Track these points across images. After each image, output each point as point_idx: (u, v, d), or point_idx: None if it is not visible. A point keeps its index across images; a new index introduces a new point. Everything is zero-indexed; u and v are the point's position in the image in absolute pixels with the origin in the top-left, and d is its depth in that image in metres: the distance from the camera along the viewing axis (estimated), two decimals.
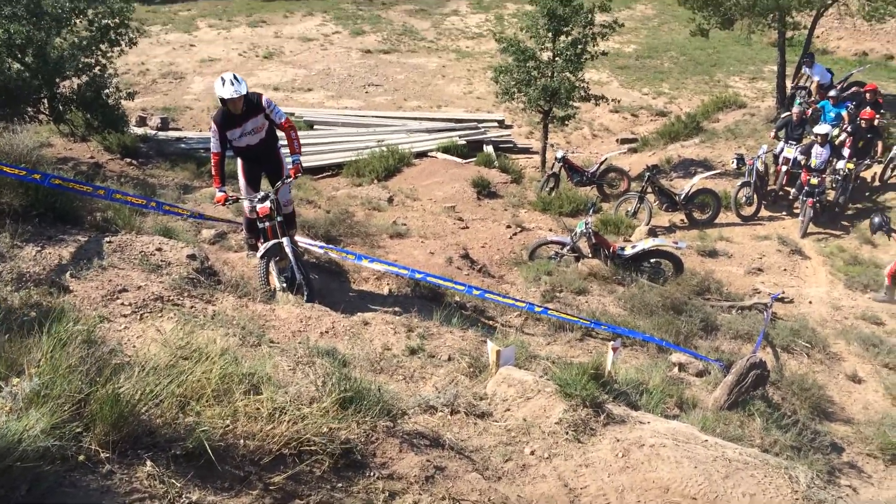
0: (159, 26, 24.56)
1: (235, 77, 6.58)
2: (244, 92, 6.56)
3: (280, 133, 7.19)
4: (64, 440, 2.74)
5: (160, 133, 15.84)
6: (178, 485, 2.75)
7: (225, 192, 6.97)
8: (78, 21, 13.11)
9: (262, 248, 6.85)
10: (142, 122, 16.48)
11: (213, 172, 7.01)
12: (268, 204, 6.88)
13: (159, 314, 5.06)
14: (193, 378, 3.28)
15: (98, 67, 13.25)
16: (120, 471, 2.76)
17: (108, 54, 13.51)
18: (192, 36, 24.20)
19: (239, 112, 6.70)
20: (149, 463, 2.82)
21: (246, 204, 7.23)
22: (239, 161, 7.30)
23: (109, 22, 13.47)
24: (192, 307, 5.38)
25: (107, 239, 6.17)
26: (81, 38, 13.00)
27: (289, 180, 7.13)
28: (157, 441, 2.96)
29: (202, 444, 2.92)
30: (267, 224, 6.93)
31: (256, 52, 23.11)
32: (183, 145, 15.28)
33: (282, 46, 23.71)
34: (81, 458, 2.75)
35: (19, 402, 2.80)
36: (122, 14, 13.52)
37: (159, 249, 6.29)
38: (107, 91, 13.21)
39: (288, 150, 7.03)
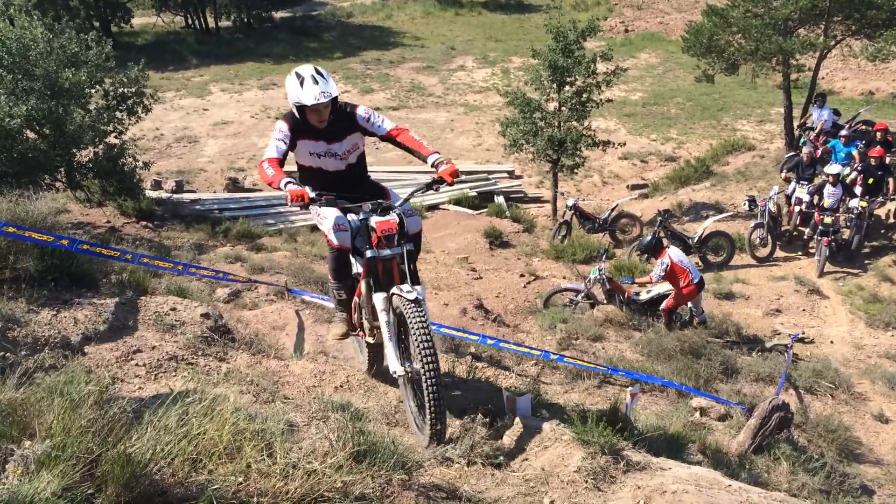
0: (173, 92, 25.15)
1: (319, 72, 4.45)
2: (334, 94, 4.44)
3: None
4: (76, 502, 2.71)
5: (175, 196, 16.09)
6: None
7: (303, 187, 4.34)
8: (94, 91, 13.45)
9: (379, 302, 4.42)
10: (157, 185, 16.76)
11: (271, 172, 4.42)
12: (394, 216, 4.39)
13: (173, 374, 5.05)
14: (206, 436, 3.26)
15: (114, 134, 13.53)
16: None
17: (125, 122, 13.82)
18: (205, 100, 24.75)
19: (323, 126, 4.60)
20: None
21: (329, 222, 4.55)
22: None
23: (126, 91, 13.83)
24: (205, 365, 5.37)
25: (121, 301, 6.21)
26: (99, 108, 13.31)
27: (443, 186, 4.57)
28: (170, 500, 2.93)
29: (214, 503, 2.88)
30: (387, 254, 4.40)
31: (268, 113, 23.56)
32: (198, 207, 15.48)
33: None
34: None
35: (31, 465, 2.79)
36: (138, 82, 13.88)
37: (173, 309, 6.32)
38: (123, 160, 13.46)
39: (418, 156, 4.71)
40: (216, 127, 22.20)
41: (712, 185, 17.76)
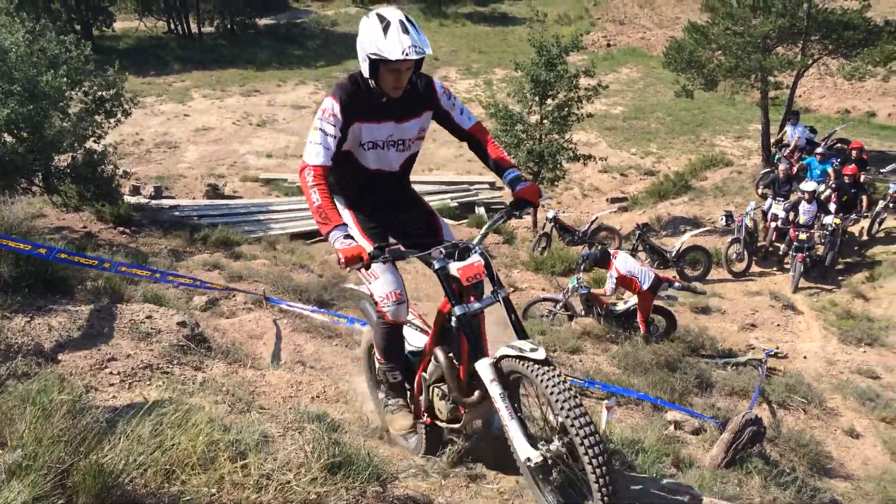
0: (154, 97, 25.01)
1: (409, 19, 3.33)
2: (429, 52, 3.33)
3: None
4: None
5: (153, 202, 15.98)
6: None
7: (351, 236, 3.30)
8: (73, 94, 13.35)
9: (486, 371, 3.35)
10: (135, 191, 16.64)
11: (318, 199, 3.34)
12: (477, 258, 3.46)
13: (148, 383, 5.02)
14: (180, 446, 3.24)
15: (93, 139, 13.43)
16: None
17: (104, 125, 13.72)
18: (186, 106, 24.63)
19: (396, 94, 3.48)
20: None
21: (381, 286, 3.70)
22: (349, 214, 3.81)
23: (104, 94, 13.74)
24: (181, 375, 5.34)
25: (96, 308, 6.16)
26: (77, 113, 13.20)
27: (525, 211, 3.74)
28: None
29: None
30: (477, 308, 3.46)
31: (250, 120, 23.50)
32: (177, 213, 15.40)
33: (275, 114, 24.13)
34: None
35: (1, 474, 2.76)
36: (116, 84, 13.80)
37: (149, 317, 6.27)
38: (102, 167, 13.34)
39: (493, 167, 3.79)
40: (197, 133, 22.10)
41: (690, 200, 17.96)
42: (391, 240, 3.82)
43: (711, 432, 7.30)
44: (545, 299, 10.77)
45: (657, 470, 5.34)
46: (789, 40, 17.78)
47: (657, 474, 5.13)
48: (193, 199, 17.26)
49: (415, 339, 4.22)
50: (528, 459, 3.22)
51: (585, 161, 16.53)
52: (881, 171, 16.38)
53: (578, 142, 17.45)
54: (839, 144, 17.31)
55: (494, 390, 3.31)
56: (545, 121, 16.03)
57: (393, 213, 3.83)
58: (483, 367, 3.36)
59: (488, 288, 3.56)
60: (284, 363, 6.67)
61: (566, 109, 15.99)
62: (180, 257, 11.16)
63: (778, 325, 11.93)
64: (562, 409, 3.02)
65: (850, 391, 9.45)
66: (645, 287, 9.87)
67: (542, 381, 3.11)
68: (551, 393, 3.07)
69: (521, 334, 3.37)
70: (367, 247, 3.35)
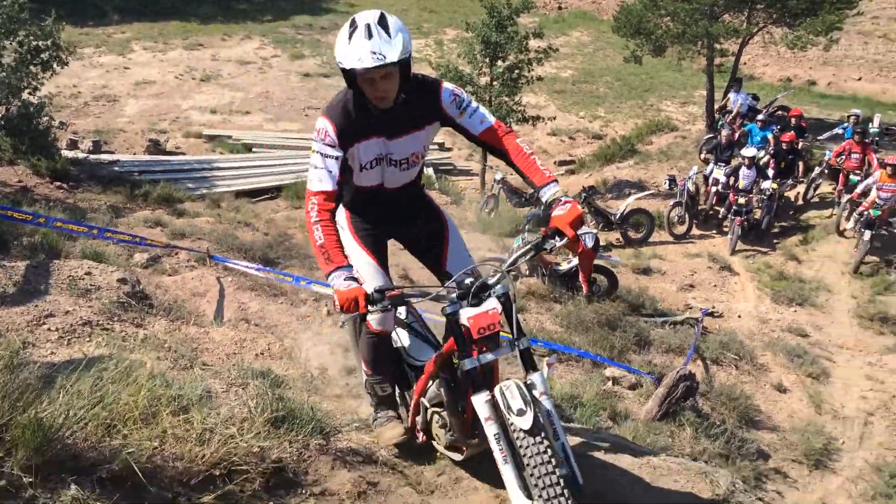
0: (92, 48, 24.08)
1: (382, 21, 2.96)
2: (392, 59, 2.94)
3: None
4: None
5: (92, 156, 15.48)
6: None
7: (354, 278, 3.07)
8: (7, 44, 12.77)
9: (482, 409, 2.99)
10: (73, 145, 16.07)
11: (321, 236, 3.09)
12: (493, 304, 3.08)
13: (88, 339, 4.96)
14: (121, 401, 3.25)
15: (28, 90, 12.91)
16: (43, 495, 2.71)
17: (39, 76, 13.19)
18: (126, 58, 23.79)
19: (384, 105, 3.12)
20: (73, 486, 2.78)
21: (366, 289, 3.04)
22: (344, 214, 3.58)
23: (40, 44, 13.18)
24: (122, 331, 5.29)
25: (33, 264, 6.03)
26: (11, 63, 12.64)
27: (561, 242, 3.28)
28: (82, 464, 2.92)
29: (128, 466, 2.89)
30: (489, 359, 3.05)
31: (193, 74, 22.84)
32: (116, 168, 14.96)
33: (219, 69, 23.51)
34: (3, 483, 2.70)
35: None
36: (52, 35, 13.25)
37: (88, 273, 6.17)
38: (38, 119, 12.85)
39: (526, 180, 3.44)
40: (137, 86, 21.41)
41: (636, 164, 18.25)
42: (394, 243, 3.60)
43: (647, 387, 7.59)
44: (490, 259, 10.88)
45: (594, 423, 5.55)
46: (735, 8, 18.06)
47: (594, 426, 5.33)
48: (134, 154, 16.78)
49: (415, 350, 3.85)
50: None
51: (534, 123, 16.61)
52: (818, 138, 16.90)
53: (528, 104, 17.50)
54: (780, 112, 17.76)
55: (490, 430, 2.97)
56: (495, 83, 16.02)
57: (404, 226, 3.60)
58: (480, 403, 3.01)
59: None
60: (229, 321, 6.66)
61: (516, 72, 15.99)
62: (120, 214, 10.92)
63: (715, 285, 12.34)
64: (536, 485, 2.78)
65: (780, 348, 9.88)
66: (589, 245, 10.08)
67: (521, 448, 2.83)
68: (528, 464, 2.80)
69: (531, 369, 3.08)
70: (369, 287, 3.06)
